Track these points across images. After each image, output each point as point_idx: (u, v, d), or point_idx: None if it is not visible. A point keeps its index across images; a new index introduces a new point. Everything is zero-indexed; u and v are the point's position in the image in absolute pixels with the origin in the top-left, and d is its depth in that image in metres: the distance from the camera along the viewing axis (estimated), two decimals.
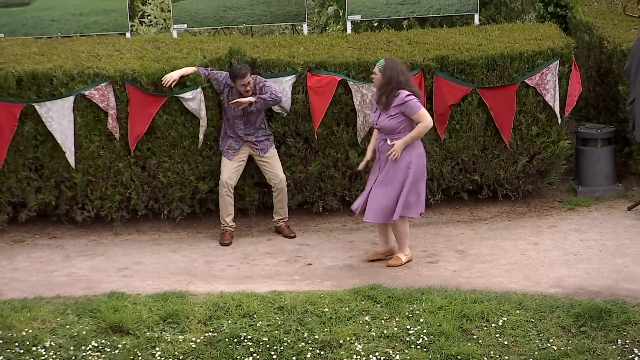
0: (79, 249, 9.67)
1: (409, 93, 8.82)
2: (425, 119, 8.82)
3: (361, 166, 9.29)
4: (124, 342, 7.74)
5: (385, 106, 8.86)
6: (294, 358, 7.69)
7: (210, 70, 9.70)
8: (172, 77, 9.54)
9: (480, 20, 11.87)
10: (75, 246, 9.74)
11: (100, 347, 7.71)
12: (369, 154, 9.19)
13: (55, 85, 9.64)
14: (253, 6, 11.50)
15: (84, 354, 7.64)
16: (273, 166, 9.78)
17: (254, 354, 7.70)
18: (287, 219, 9.95)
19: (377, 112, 8.99)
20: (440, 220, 10.26)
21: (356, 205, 9.18)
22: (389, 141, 8.87)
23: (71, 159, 9.72)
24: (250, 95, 9.51)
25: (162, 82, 9.54)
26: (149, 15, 15.33)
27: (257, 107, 9.57)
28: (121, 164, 9.86)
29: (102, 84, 9.65)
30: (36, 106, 9.59)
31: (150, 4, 15.40)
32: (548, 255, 9.22)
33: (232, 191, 9.72)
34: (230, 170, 9.70)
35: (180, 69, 9.63)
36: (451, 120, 10.07)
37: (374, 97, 9.22)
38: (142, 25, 15.19)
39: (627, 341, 7.71)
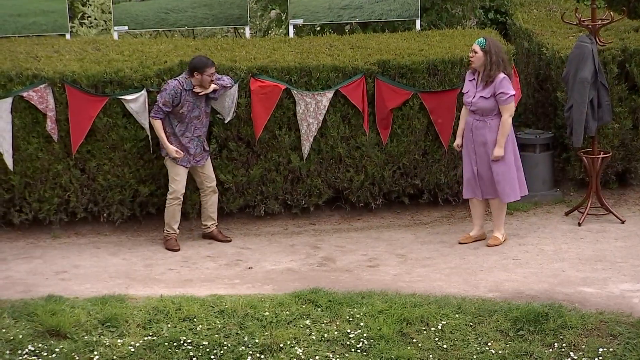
0: (16, 252, 9.54)
1: (504, 77, 9.18)
2: (507, 111, 9.20)
3: (458, 144, 9.57)
4: (61, 346, 7.65)
5: (485, 86, 9.21)
6: None
7: (163, 101, 9.33)
8: (166, 145, 9.44)
9: (421, 25, 11.94)
10: (13, 249, 9.61)
11: (37, 351, 7.61)
12: (460, 138, 9.52)
13: None
14: (195, 9, 11.44)
15: (21, 358, 7.53)
16: (208, 169, 9.73)
17: (194, 358, 7.65)
18: (217, 224, 9.89)
19: (471, 93, 9.30)
20: (382, 224, 10.30)
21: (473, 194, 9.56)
22: (493, 152, 9.24)
23: (9, 161, 9.60)
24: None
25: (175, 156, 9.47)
26: (89, 16, 15.17)
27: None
28: (60, 167, 9.75)
29: (41, 86, 9.55)
30: None
31: (90, 5, 15.24)
32: (487, 260, 9.30)
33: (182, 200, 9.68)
34: (184, 180, 9.58)
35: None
36: (392, 125, 10.12)
37: (471, 75, 9.40)
38: (82, 27, 15.03)
39: (564, 345, 7.80)
